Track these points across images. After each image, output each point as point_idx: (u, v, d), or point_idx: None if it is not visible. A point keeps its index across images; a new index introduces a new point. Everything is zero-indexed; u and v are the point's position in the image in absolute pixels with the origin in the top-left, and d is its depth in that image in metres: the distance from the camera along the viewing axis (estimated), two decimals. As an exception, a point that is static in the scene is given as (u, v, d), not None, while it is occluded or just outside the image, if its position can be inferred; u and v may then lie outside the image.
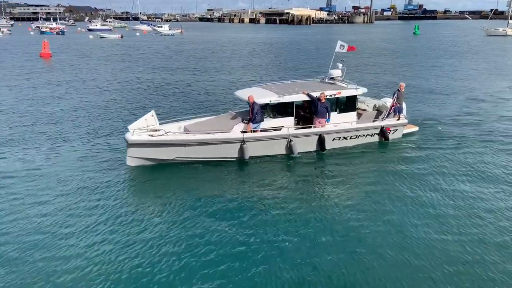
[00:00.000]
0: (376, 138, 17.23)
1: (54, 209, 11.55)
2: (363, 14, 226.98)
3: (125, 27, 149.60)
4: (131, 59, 50.76)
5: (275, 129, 15.26)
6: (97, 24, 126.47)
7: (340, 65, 17.81)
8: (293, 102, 15.48)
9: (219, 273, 8.85)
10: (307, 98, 15.67)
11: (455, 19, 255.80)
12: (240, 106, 20.33)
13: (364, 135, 16.85)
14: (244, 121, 15.13)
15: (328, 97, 15.75)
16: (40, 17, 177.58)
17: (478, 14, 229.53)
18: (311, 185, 13.36)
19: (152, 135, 13.95)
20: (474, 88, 30.50)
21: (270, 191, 12.80)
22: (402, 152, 16.50)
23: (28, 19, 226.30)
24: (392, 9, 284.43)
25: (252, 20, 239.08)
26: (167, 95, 28.02)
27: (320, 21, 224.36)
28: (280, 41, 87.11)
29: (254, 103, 14.69)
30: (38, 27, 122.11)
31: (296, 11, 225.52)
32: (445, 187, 13.08)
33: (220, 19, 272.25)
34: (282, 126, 15.36)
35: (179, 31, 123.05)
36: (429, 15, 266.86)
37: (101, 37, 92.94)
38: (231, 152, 14.76)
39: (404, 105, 18.13)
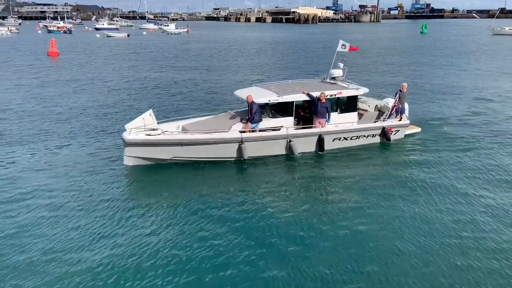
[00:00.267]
0: (377, 139, 17.02)
1: (51, 208, 11.51)
2: (370, 13, 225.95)
3: (131, 26, 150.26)
4: (138, 58, 50.88)
5: (274, 129, 15.12)
6: (104, 23, 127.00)
7: (341, 65, 17.62)
8: (292, 102, 15.32)
9: (216, 275, 8.75)
10: (307, 98, 15.51)
11: (462, 18, 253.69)
12: (241, 105, 20.18)
13: (365, 136, 16.65)
14: (242, 120, 15.01)
15: (328, 97, 15.57)
16: (48, 16, 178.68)
17: (486, 13, 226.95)
18: (311, 186, 13.19)
19: (149, 134, 13.87)
20: (480, 88, 30.12)
21: (268, 192, 12.68)
22: (403, 153, 16.28)
23: (36, 18, 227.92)
24: (399, 8, 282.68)
25: (258, 19, 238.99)
26: (174, 94, 27.99)
27: (327, 20, 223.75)
28: (286, 40, 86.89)
29: (252, 102, 14.56)
30: (46, 26, 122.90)
31: (303, 10, 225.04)
32: (446, 190, 12.82)
33: (226, 18, 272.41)
34: (282, 126, 15.21)
35: (185, 30, 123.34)
36: (437, 14, 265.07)
37: (108, 36, 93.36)
38: (229, 152, 14.64)
39: (406, 106, 17.90)
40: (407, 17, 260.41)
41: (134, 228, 10.53)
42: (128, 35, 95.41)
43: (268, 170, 14.39)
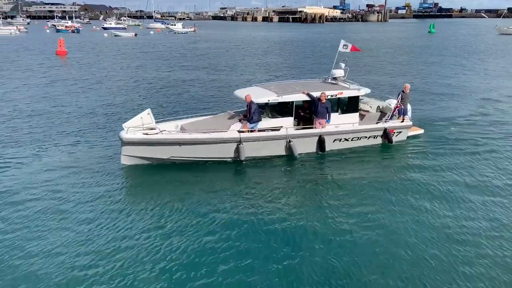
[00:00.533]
0: (379, 140, 16.81)
1: (48, 208, 11.50)
2: (377, 13, 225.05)
3: (139, 25, 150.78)
4: (146, 57, 50.99)
5: (273, 130, 14.97)
6: (111, 23, 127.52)
7: (343, 65, 17.42)
8: (292, 102, 15.18)
9: (209, 276, 8.66)
10: (307, 98, 15.37)
11: (471, 18, 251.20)
12: (243, 105, 20.03)
13: (366, 137, 16.45)
14: (241, 120, 14.88)
15: (329, 97, 15.41)
16: (56, 16, 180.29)
17: (494, 13, 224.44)
18: (310, 188, 13.03)
19: (146, 134, 13.80)
20: (486, 88, 29.78)
21: (266, 193, 12.54)
22: (405, 155, 16.03)
23: (44, 18, 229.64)
24: (406, 8, 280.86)
25: (265, 19, 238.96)
26: (181, 93, 27.97)
27: (334, 19, 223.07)
28: (293, 39, 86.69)
29: (251, 102, 14.45)
30: (54, 25, 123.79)
31: (310, 9, 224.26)
32: (448, 196, 12.41)
33: (233, 18, 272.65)
34: (281, 127, 15.07)
35: (192, 29, 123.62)
36: (445, 13, 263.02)
37: (115, 36, 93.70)
38: (228, 152, 14.53)
39: (409, 107, 17.66)
40: (414, 17, 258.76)
41: (128, 227, 10.47)
42: (136, 35, 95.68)
43: (267, 171, 14.26)
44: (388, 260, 9.25)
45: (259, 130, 14.81)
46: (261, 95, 15.20)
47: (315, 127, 15.52)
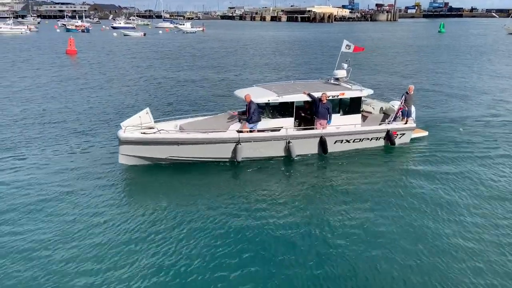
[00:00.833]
0: (381, 142, 16.54)
1: (44, 205, 11.46)
2: (387, 12, 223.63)
3: (148, 25, 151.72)
4: (155, 57, 51.12)
5: (274, 130, 14.79)
6: (121, 22, 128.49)
7: (345, 66, 17.18)
8: (293, 102, 15.00)
9: (207, 277, 8.57)
10: (307, 98, 15.17)
11: (481, 17, 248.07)
12: (242, 105, 19.91)
13: (368, 139, 16.20)
14: (241, 120, 14.74)
15: (330, 98, 15.19)
16: (66, 15, 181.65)
17: (505, 12, 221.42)
18: (309, 190, 12.83)
19: (144, 133, 13.71)
20: (491, 90, 29.24)
21: (264, 196, 12.38)
22: (408, 158, 15.73)
23: (54, 17, 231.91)
24: (416, 7, 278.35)
25: (273, 18, 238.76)
26: (191, 93, 27.92)
27: (343, 19, 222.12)
28: (302, 39, 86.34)
29: (251, 102, 14.30)
30: (64, 25, 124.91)
31: (318, 9, 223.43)
32: (451, 202, 12.03)
33: (241, 17, 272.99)
34: (281, 127, 14.89)
35: (201, 29, 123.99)
36: (455, 13, 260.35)
37: (124, 35, 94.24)
38: (227, 152, 14.39)
39: (413, 109, 17.34)
40: (424, 16, 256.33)
41: (125, 229, 10.39)
42: (145, 34, 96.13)
43: (267, 172, 14.09)
44: (388, 265, 9.04)
45: (258, 131, 14.65)
46: (262, 95, 15.04)
47: (316, 128, 15.32)
